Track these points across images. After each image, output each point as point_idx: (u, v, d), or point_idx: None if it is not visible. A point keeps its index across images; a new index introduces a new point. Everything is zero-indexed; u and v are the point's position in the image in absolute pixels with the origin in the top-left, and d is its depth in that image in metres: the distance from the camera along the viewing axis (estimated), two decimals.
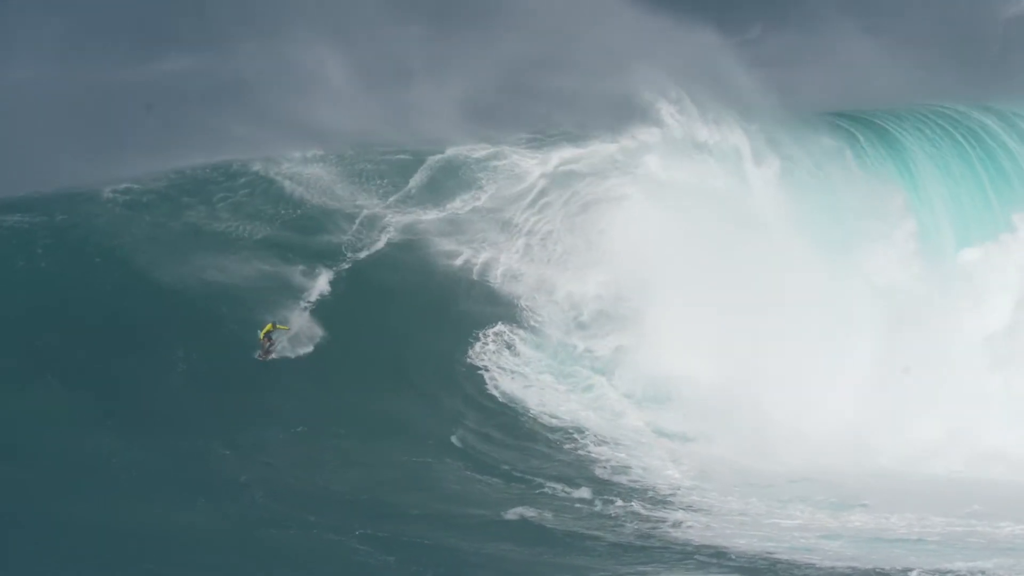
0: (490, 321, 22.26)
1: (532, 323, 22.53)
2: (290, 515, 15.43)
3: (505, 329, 22.23)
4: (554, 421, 20.75)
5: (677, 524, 16.04)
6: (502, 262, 23.09)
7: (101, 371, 18.58)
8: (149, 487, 15.99)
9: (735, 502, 17.41)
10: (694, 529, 15.89)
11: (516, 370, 21.83)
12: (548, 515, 16.13)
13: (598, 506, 16.87)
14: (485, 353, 21.84)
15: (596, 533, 15.56)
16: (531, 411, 20.90)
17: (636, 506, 16.78)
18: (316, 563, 14.10)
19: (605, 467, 19.15)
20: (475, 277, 22.80)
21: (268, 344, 18.42)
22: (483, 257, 23.01)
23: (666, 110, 24.35)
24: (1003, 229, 25.38)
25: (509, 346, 22.13)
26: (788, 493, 18.12)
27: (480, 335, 22.03)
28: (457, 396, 20.88)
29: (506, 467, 18.25)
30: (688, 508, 17.08)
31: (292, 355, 19.98)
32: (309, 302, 21.00)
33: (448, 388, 21.03)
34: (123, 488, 15.90)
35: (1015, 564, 13.91)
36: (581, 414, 21.11)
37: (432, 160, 23.82)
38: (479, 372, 21.40)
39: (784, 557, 14.53)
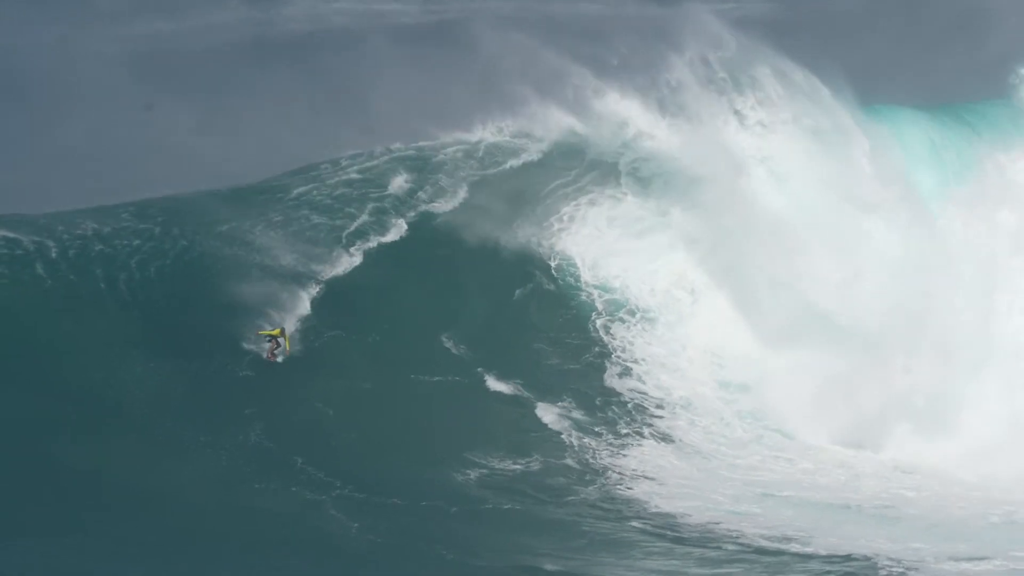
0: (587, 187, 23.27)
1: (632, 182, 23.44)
2: (279, 460, 16.43)
3: (598, 191, 23.25)
4: (599, 296, 21.85)
5: (631, 478, 16.90)
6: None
7: (142, 303, 19.19)
8: (158, 418, 16.84)
9: (695, 432, 18.71)
10: (643, 485, 16.83)
11: (591, 230, 22.91)
12: (516, 469, 17.32)
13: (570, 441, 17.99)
14: (566, 220, 22.99)
15: (557, 495, 16.66)
16: (583, 283, 21.94)
17: (602, 454, 17.68)
18: (285, 527, 14.85)
19: (616, 364, 20.13)
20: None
21: (275, 347, 19.10)
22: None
23: None
24: None
25: (596, 207, 23.17)
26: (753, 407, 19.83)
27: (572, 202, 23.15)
28: (511, 280, 22.09)
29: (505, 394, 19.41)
30: (658, 438, 18.09)
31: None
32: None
33: (505, 270, 22.15)
34: (134, 417, 16.80)
35: (934, 549, 14.32)
36: (631, 280, 22.20)
37: None
38: (550, 238, 22.74)
39: (724, 526, 15.38)
